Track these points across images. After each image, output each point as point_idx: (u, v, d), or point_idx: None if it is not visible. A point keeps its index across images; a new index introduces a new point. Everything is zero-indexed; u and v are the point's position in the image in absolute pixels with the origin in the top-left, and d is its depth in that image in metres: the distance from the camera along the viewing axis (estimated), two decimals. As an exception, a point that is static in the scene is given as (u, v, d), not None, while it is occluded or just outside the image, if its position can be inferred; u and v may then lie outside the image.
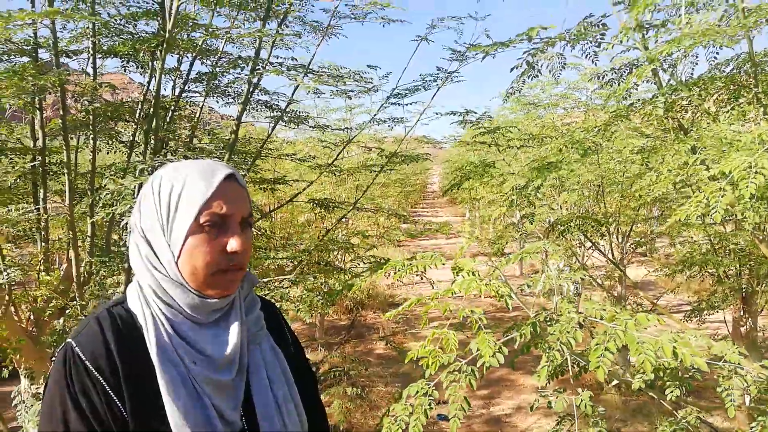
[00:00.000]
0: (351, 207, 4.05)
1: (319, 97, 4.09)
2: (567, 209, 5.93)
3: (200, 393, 0.91)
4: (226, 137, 4.16)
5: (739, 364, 1.17)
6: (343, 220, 6.61)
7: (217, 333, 0.97)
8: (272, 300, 2.97)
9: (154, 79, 3.11)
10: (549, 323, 1.16)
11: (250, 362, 1.00)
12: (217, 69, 3.57)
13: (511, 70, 2.55)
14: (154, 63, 3.19)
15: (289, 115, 3.93)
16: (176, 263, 0.93)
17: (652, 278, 8.28)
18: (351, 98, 4.21)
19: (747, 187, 1.26)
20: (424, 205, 28.74)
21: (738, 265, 3.91)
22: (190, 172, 0.96)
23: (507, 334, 1.24)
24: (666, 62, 2.82)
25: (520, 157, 4.41)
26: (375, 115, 4.04)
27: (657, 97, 2.15)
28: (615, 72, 3.11)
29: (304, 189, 4.26)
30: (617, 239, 5.93)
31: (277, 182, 4.27)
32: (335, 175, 4.67)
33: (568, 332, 1.05)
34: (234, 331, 0.97)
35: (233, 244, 0.94)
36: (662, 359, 1.41)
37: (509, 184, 4.49)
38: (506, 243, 6.81)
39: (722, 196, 1.31)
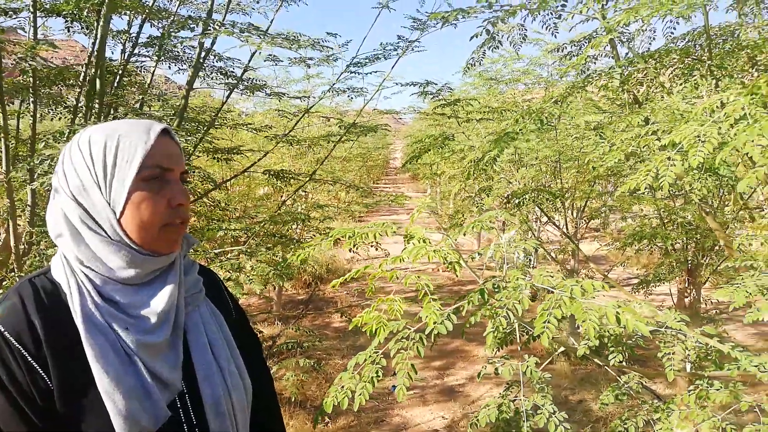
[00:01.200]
0: (307, 178, 3.97)
1: (277, 64, 3.96)
2: (524, 184, 5.99)
3: (132, 358, 0.87)
4: (178, 104, 3.98)
5: (680, 330, 1.19)
6: (303, 193, 6.51)
7: (152, 291, 0.93)
8: (227, 271, 2.90)
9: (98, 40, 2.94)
10: (497, 290, 1.15)
11: (189, 324, 0.98)
12: (170, 31, 3.39)
13: (471, 38, 2.51)
14: (99, 23, 3.00)
15: (246, 82, 3.79)
16: (119, 221, 0.90)
17: (603, 252, 8.53)
18: (310, 66, 4.08)
19: (695, 156, 1.26)
20: (386, 181, 28.75)
21: (685, 238, 4.05)
22: (123, 129, 0.92)
23: (458, 302, 1.22)
24: (624, 36, 2.84)
25: (480, 131, 4.41)
26: (334, 84, 3.94)
27: (614, 69, 2.15)
28: (574, 45, 3.13)
29: (259, 159, 4.15)
30: (572, 214, 6.06)
31: (231, 152, 4.14)
32: (291, 145, 4.55)
33: (514, 298, 1.04)
34: (169, 288, 0.94)
35: (179, 197, 0.92)
36: (607, 326, 1.42)
37: (470, 158, 4.48)
38: (464, 217, 6.86)
39: (672, 166, 1.32)
